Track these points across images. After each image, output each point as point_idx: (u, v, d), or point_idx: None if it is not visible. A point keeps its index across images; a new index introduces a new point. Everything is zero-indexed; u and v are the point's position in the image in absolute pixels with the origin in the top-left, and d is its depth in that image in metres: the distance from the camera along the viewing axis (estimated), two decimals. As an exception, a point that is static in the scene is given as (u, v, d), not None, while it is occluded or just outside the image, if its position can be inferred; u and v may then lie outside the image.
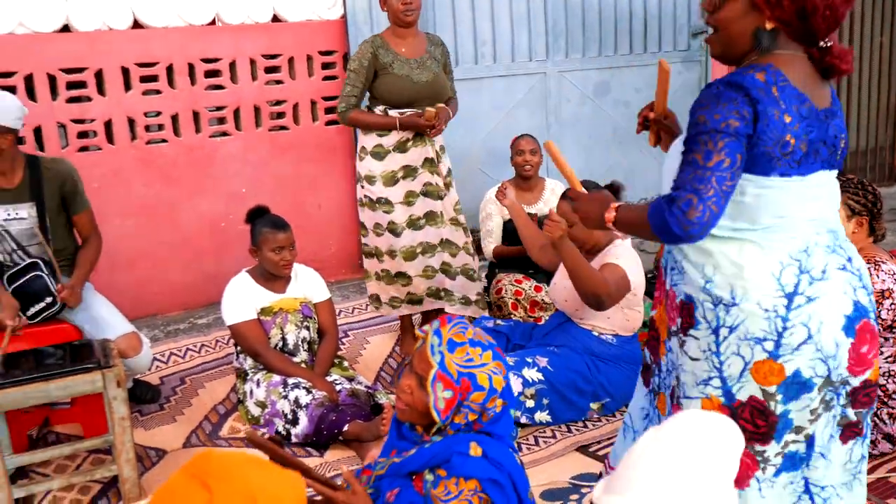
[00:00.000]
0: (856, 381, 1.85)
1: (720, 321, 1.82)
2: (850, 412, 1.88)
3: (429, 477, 1.90)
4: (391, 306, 3.92)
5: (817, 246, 1.79)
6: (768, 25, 1.75)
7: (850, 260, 1.83)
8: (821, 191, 1.81)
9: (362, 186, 3.78)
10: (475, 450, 1.86)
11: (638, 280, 3.23)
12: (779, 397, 1.80)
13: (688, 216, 1.67)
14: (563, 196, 3.31)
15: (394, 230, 3.75)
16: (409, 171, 3.70)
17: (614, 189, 3.33)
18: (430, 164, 3.71)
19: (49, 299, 3.12)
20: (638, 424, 2.20)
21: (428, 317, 4.05)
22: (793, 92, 1.72)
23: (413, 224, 3.74)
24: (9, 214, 3.13)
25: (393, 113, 3.65)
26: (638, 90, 5.81)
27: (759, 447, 1.85)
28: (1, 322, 3.01)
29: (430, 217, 3.75)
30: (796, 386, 1.79)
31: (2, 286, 3.11)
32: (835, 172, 1.87)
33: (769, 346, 1.78)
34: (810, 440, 1.86)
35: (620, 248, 3.25)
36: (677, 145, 1.86)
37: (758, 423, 1.82)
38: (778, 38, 1.77)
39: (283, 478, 1.41)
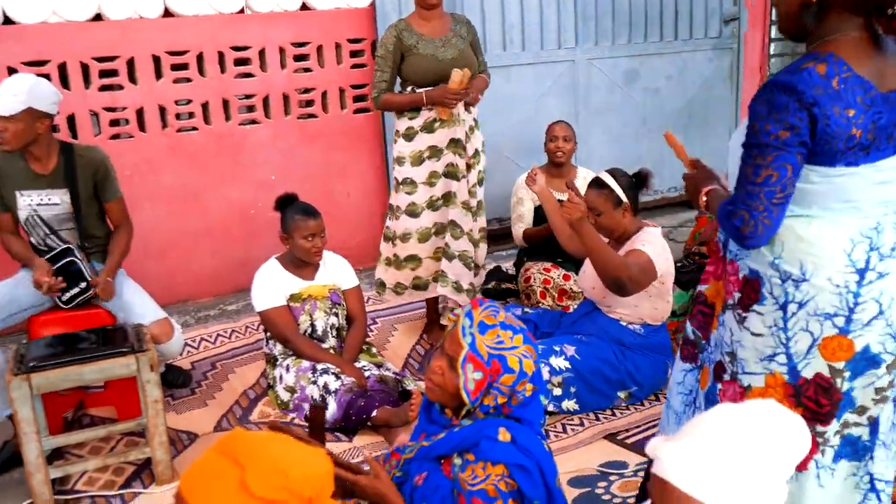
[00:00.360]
0: None
1: (788, 297, 1.81)
2: None
3: (457, 461, 1.91)
4: (395, 292, 3.94)
5: (887, 224, 1.78)
6: None
7: None
8: (892, 174, 1.77)
9: (394, 168, 3.84)
10: (504, 435, 1.87)
11: (665, 268, 3.21)
12: (846, 374, 1.79)
13: (741, 231, 1.76)
14: (592, 185, 3.30)
15: (412, 212, 3.78)
16: (435, 152, 3.73)
17: (642, 177, 3.31)
18: (455, 144, 3.72)
19: (83, 284, 3.16)
20: (677, 403, 2.19)
21: (429, 304, 4.06)
22: (857, 81, 1.68)
23: (432, 205, 3.77)
24: (42, 200, 3.18)
25: (406, 120, 3.72)
26: (668, 77, 5.77)
27: (819, 428, 1.83)
28: (38, 281, 3.07)
29: (447, 198, 3.77)
30: (864, 362, 1.79)
31: (34, 254, 3.18)
32: None
33: (840, 321, 1.77)
34: (874, 425, 1.84)
35: (648, 235, 3.22)
36: (741, 129, 1.84)
37: (821, 401, 1.82)
38: (829, 14, 1.73)
39: (311, 454, 1.43)
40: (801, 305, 1.80)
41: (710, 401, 2.03)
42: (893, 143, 1.75)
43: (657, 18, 5.66)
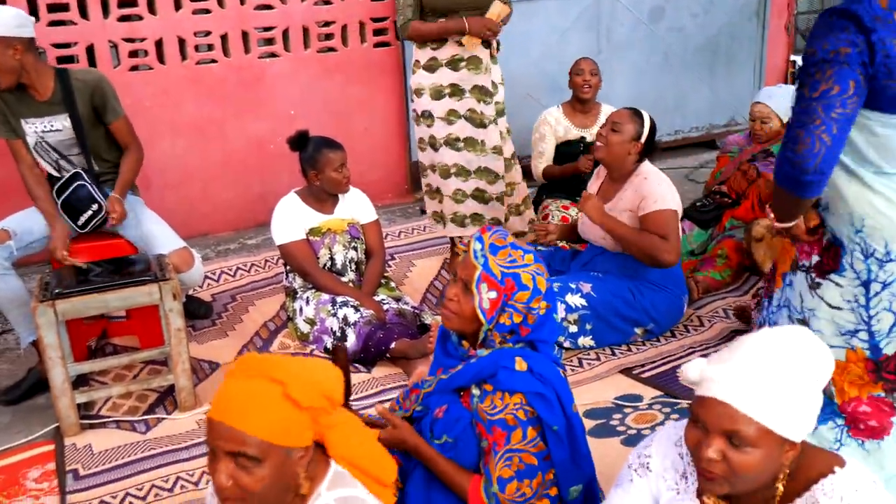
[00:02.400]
0: None
1: (872, 275, 1.76)
2: None
3: (475, 392, 1.94)
4: (435, 220, 3.97)
5: None
6: None
7: None
8: None
9: (412, 101, 3.80)
10: (520, 364, 1.89)
11: (677, 202, 3.23)
12: None
13: (797, 151, 1.64)
14: (628, 108, 3.31)
15: (433, 144, 3.78)
16: (456, 91, 3.67)
17: (653, 130, 3.29)
18: (480, 91, 3.67)
19: (95, 206, 3.16)
20: None
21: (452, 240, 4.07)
22: None
23: (451, 143, 3.73)
24: (45, 127, 3.17)
25: (428, 51, 3.64)
26: (694, 15, 5.65)
27: None
28: (52, 251, 3.08)
29: (470, 143, 3.72)
30: None
31: (57, 212, 3.15)
32: None
33: None
34: None
35: (651, 178, 3.22)
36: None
37: None
38: None
39: (323, 365, 1.52)
40: (885, 286, 1.75)
41: None
42: None
43: (684, -47, 5.52)
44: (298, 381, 1.37)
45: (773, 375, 1.37)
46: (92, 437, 2.82)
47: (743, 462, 1.37)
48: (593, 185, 3.51)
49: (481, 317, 1.90)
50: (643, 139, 3.26)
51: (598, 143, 3.30)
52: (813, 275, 1.86)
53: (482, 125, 3.70)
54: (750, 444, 1.36)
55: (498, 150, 3.76)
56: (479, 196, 3.79)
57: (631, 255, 3.24)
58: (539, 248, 3.71)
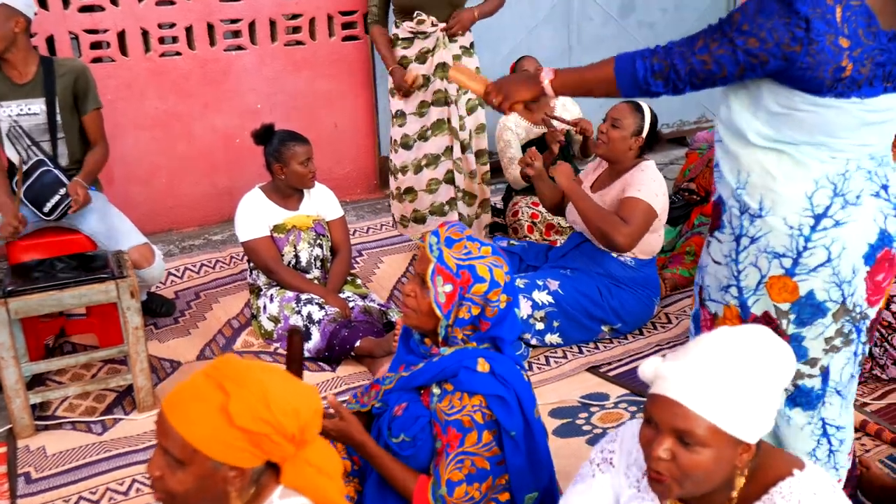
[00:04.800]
0: (872, 313, 1.83)
1: (743, 229, 1.80)
2: (870, 350, 1.86)
3: (436, 391, 1.90)
4: (402, 225, 3.96)
5: (858, 171, 1.73)
6: None
7: (885, 188, 1.75)
8: (882, 115, 1.69)
9: (389, 101, 3.82)
10: (482, 366, 1.85)
11: (662, 204, 3.18)
12: (791, 317, 1.78)
13: (654, 76, 1.74)
14: (629, 101, 3.25)
15: (406, 144, 3.78)
16: (424, 81, 3.70)
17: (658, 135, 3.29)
18: (442, 69, 3.68)
19: (63, 191, 3.11)
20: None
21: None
22: (863, 11, 1.59)
23: (422, 136, 3.75)
24: (21, 110, 3.13)
25: (399, 50, 3.71)
26: (664, 11, 5.64)
27: None
28: (2, 228, 3.02)
29: (437, 126, 3.74)
30: (810, 308, 1.77)
31: (11, 200, 3.08)
32: None
33: (787, 262, 1.76)
34: (825, 374, 1.84)
35: (644, 172, 3.17)
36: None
37: None
38: None
39: (301, 391, 1.40)
40: (753, 240, 1.79)
41: (695, 323, 2.04)
42: (890, 83, 1.66)
43: (655, -52, 5.51)
44: (249, 399, 1.30)
45: (726, 374, 1.35)
46: (46, 439, 2.75)
47: (692, 462, 1.35)
48: (590, 175, 3.47)
49: (437, 311, 1.86)
50: (644, 134, 3.22)
51: (600, 141, 3.25)
52: (707, 235, 1.94)
53: (446, 103, 3.70)
54: (700, 444, 1.34)
55: (455, 133, 3.75)
56: (451, 179, 3.78)
57: (605, 253, 3.22)
58: (512, 243, 3.68)
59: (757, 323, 1.80)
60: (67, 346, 3.32)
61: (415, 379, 1.95)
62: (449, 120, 3.73)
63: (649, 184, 3.15)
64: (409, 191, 3.85)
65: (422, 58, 3.67)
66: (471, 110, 3.81)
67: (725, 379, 1.35)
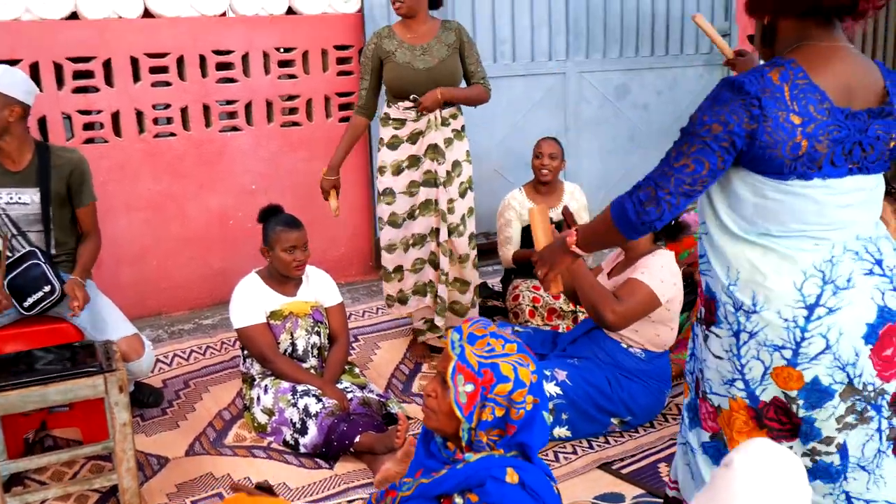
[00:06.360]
0: (891, 387, 1.78)
1: (741, 325, 1.80)
2: None
3: (458, 501, 1.77)
4: (388, 304, 3.88)
5: (845, 253, 1.74)
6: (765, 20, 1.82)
7: (878, 263, 1.76)
8: (852, 197, 1.73)
9: (377, 178, 3.75)
10: (511, 476, 1.73)
11: (673, 294, 3.06)
12: (800, 402, 1.77)
13: (644, 205, 1.77)
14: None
15: (394, 222, 3.71)
16: (414, 161, 3.64)
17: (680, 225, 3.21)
18: (433, 150, 3.61)
19: (47, 288, 2.97)
20: (685, 428, 2.10)
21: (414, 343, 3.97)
22: (811, 89, 1.66)
23: (411, 215, 3.68)
24: (11, 198, 3.02)
25: (390, 130, 3.65)
26: (659, 93, 5.68)
27: (785, 443, 1.80)
28: None
29: (425, 206, 3.67)
30: (817, 393, 1.75)
31: None
32: (875, 177, 1.78)
33: (787, 354, 1.75)
34: (842, 451, 1.80)
35: (656, 258, 3.07)
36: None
37: (782, 419, 1.80)
38: (783, 24, 1.77)
39: None
40: (751, 335, 1.79)
41: (691, 413, 2.01)
42: (851, 162, 1.71)
43: (648, 33, 5.57)
44: None
45: None
46: (24, 546, 2.56)
47: None
48: (610, 263, 3.38)
49: (458, 412, 1.75)
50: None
51: None
52: (703, 327, 1.92)
53: (436, 185, 3.63)
54: None
55: (443, 216, 3.66)
56: (433, 261, 3.71)
57: (614, 343, 3.11)
58: (517, 329, 3.55)
59: (768, 407, 1.79)
60: (49, 440, 3.15)
61: (437, 486, 1.82)
62: (436, 202, 3.66)
63: (656, 270, 3.06)
64: (398, 269, 3.76)
65: (413, 138, 3.62)
66: (463, 193, 3.74)
67: None
